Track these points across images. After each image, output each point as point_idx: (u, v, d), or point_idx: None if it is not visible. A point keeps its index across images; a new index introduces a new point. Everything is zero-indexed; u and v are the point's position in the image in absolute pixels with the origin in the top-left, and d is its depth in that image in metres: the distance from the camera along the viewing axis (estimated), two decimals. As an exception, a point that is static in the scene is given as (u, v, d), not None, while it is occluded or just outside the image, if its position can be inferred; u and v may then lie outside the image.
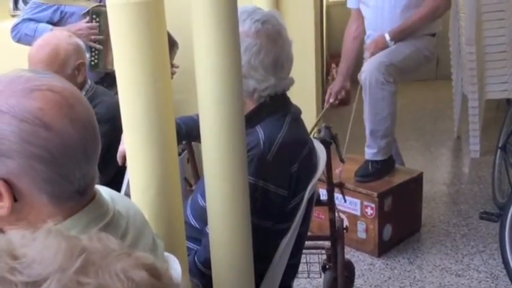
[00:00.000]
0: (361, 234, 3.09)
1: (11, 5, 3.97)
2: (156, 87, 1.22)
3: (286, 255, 1.67)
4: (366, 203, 3.03)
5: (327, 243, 2.43)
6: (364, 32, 3.33)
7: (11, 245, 0.55)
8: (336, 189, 2.38)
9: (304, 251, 1.95)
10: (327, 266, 2.49)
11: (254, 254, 1.43)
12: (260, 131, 1.64)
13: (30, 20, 2.94)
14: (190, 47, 1.27)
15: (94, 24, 2.88)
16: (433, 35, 3.27)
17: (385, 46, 3.13)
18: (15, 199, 0.90)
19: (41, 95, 0.89)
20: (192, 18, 1.25)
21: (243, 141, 1.35)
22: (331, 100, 3.26)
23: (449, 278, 2.86)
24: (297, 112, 1.77)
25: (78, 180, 0.93)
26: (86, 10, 2.90)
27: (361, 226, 3.08)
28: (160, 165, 1.26)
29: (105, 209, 1.00)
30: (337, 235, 2.35)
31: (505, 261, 2.72)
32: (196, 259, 1.62)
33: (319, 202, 2.25)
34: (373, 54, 3.13)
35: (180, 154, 2.19)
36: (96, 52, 2.90)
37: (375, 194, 3.00)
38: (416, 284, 2.84)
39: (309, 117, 2.67)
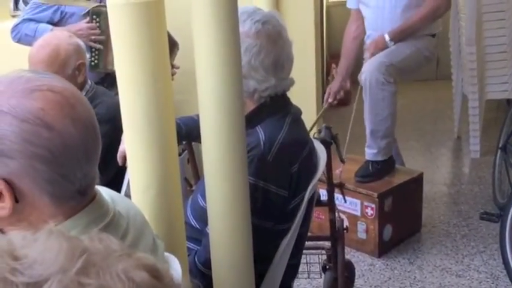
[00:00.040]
0: (362, 235, 3.09)
1: (11, 5, 3.97)
2: (157, 87, 1.22)
3: (286, 255, 1.67)
4: (366, 204, 3.03)
5: (327, 244, 2.43)
6: (364, 32, 3.33)
7: (12, 245, 0.55)
8: (336, 190, 2.37)
9: (304, 251, 1.95)
10: (327, 267, 2.49)
11: (254, 254, 1.43)
12: (260, 132, 1.64)
13: (30, 20, 2.93)
14: (191, 47, 1.27)
15: (94, 24, 2.88)
16: (433, 35, 3.27)
17: (385, 46, 3.13)
18: (16, 200, 0.91)
19: (42, 95, 0.90)
20: (192, 18, 1.25)
21: (243, 141, 1.35)
22: (330, 100, 3.26)
23: (449, 278, 2.86)
24: (297, 112, 1.77)
25: (79, 180, 0.93)
26: (86, 10, 2.89)
27: (361, 226, 3.08)
28: (160, 165, 1.26)
29: (106, 209, 1.01)
30: (337, 235, 2.35)
31: (505, 262, 2.72)
32: (196, 259, 1.62)
33: (320, 202, 2.25)
34: (373, 54, 3.13)
35: (180, 154, 2.19)
36: (97, 52, 2.90)
37: (375, 195, 3.00)
38: (417, 285, 2.83)
39: (309, 118, 2.67)
